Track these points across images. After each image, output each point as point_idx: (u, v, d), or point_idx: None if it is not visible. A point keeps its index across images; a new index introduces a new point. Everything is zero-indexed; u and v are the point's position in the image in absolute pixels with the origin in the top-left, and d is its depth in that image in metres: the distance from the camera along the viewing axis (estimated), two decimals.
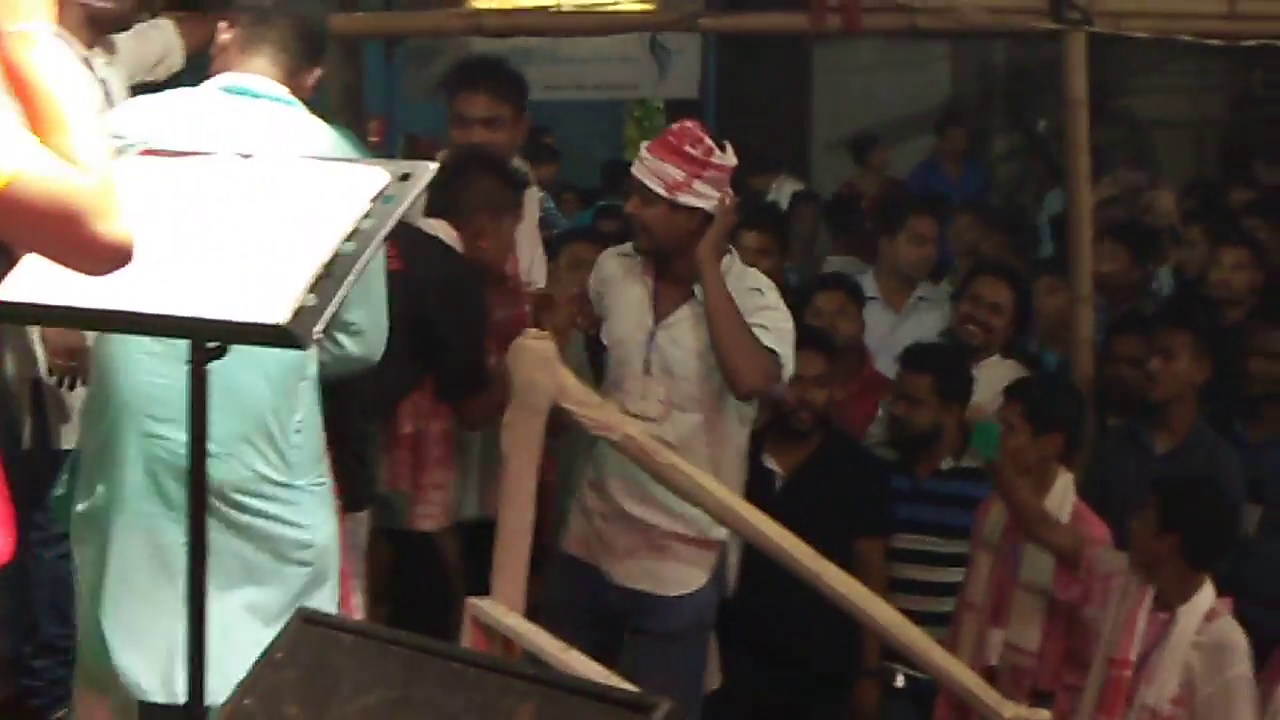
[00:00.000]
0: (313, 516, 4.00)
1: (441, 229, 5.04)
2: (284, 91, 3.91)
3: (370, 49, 10.00)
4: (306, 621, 3.73)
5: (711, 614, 5.08)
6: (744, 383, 4.82)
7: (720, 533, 4.91)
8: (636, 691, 3.55)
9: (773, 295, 5.01)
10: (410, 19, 8.47)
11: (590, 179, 10.74)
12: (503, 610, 4.35)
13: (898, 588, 5.75)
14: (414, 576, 5.31)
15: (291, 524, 3.95)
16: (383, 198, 3.01)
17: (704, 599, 5.00)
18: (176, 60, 5.75)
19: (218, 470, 3.61)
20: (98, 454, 3.95)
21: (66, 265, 2.55)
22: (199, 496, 3.13)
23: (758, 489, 5.65)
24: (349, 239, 2.94)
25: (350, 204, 2.99)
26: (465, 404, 5.05)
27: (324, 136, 3.87)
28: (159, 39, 5.44)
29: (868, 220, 9.14)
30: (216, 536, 3.60)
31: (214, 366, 3.06)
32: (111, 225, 2.47)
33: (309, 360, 3.82)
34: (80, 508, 3.98)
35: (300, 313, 2.84)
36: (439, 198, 4.95)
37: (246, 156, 3.17)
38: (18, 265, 3.06)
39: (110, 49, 5.03)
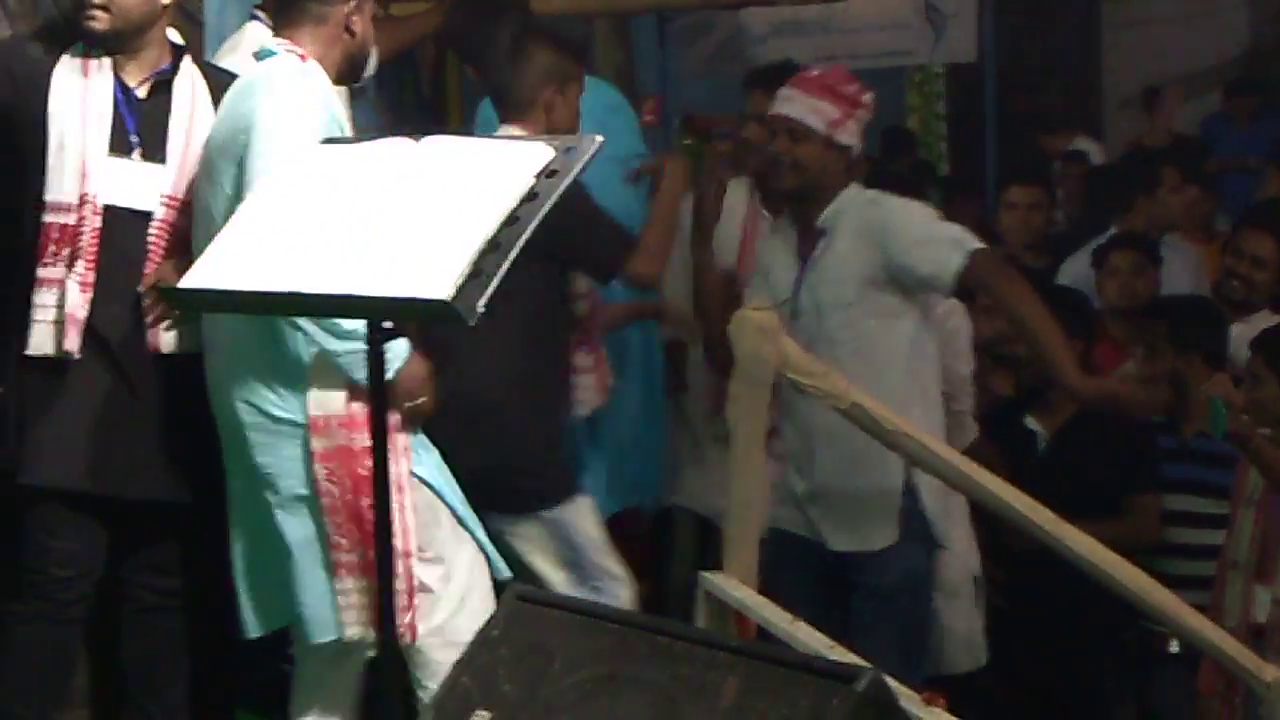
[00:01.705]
0: None
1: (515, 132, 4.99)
2: None
3: (641, 29, 10.02)
4: (520, 599, 3.77)
5: (923, 567, 4.96)
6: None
7: (896, 481, 4.81)
8: (840, 662, 3.51)
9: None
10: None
11: (870, 147, 10.60)
12: (734, 584, 4.33)
13: (1166, 551, 5.57)
14: None
15: None
16: (547, 172, 3.02)
17: (907, 551, 4.88)
18: (372, 66, 5.86)
19: None
20: None
21: None
22: (381, 465, 3.17)
23: (1020, 451, 5.58)
24: (513, 214, 2.95)
25: (515, 180, 3.00)
26: (635, 267, 5.00)
27: None
28: None
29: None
30: None
31: None
32: None
33: None
34: None
35: (464, 288, 2.86)
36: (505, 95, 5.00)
37: (417, 139, 3.21)
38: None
39: None
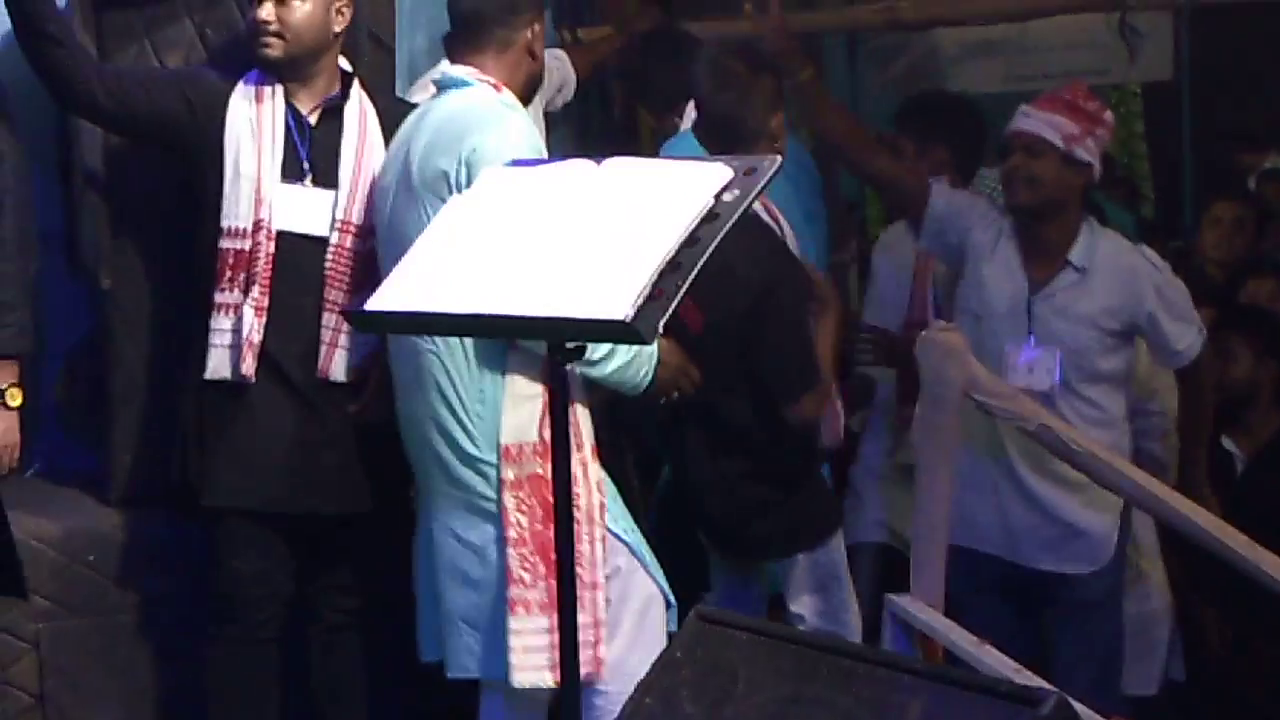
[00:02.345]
0: None
1: None
2: None
3: (832, 49, 9.97)
4: (703, 620, 3.77)
5: (1120, 585, 4.93)
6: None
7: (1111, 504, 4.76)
8: (1026, 685, 3.48)
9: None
10: (830, 16, 8.41)
11: None
12: (920, 606, 4.32)
13: None
14: None
15: None
16: (727, 193, 3.02)
17: (1110, 571, 4.85)
18: (570, 91, 5.88)
19: None
20: None
21: None
22: (564, 491, 3.18)
23: (1216, 472, 5.47)
24: (693, 234, 2.96)
25: (694, 201, 3.01)
26: (799, 402, 4.72)
27: None
28: (558, 71, 5.54)
29: None
30: None
31: None
32: None
33: None
34: None
35: (644, 309, 2.86)
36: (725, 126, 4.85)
37: (599, 161, 3.23)
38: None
39: None
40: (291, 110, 4.58)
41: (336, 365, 4.53)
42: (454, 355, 4.16)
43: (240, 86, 4.58)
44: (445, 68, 4.47)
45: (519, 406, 4.18)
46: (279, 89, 4.57)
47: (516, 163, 3.42)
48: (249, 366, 4.46)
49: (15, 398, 4.46)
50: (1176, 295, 4.83)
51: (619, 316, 2.85)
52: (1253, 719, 5.52)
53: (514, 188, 3.23)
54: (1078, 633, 4.76)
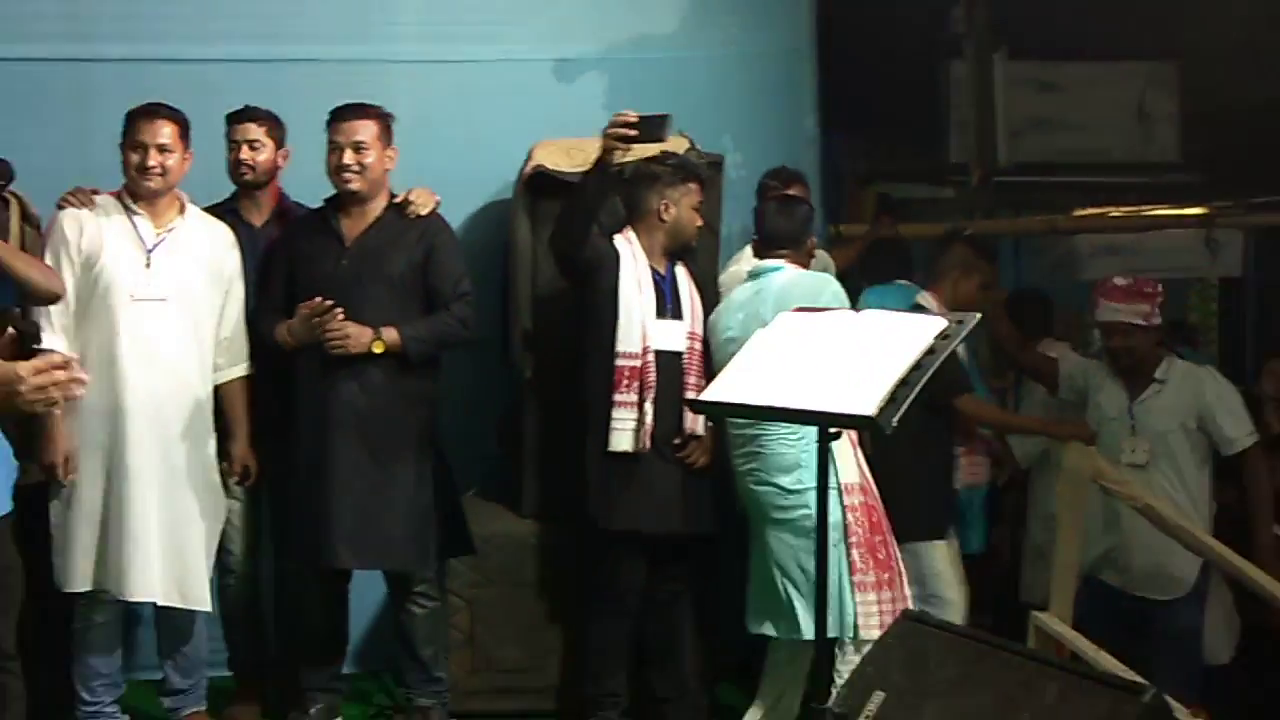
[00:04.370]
0: None
1: (929, 299, 5.00)
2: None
3: (1005, 245, 9.86)
4: (911, 619, 3.72)
5: (1199, 612, 4.71)
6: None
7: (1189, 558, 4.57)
8: (1132, 680, 3.35)
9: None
10: (1009, 224, 8.29)
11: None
12: (1055, 621, 4.18)
13: None
14: None
15: None
16: (942, 336, 3.00)
17: (1193, 599, 4.66)
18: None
19: None
20: None
21: None
22: (822, 529, 3.15)
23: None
24: (918, 362, 2.94)
25: (920, 339, 2.99)
26: (965, 404, 4.88)
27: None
28: (821, 262, 5.39)
29: None
30: None
31: None
32: None
33: None
34: None
35: (884, 409, 2.85)
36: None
37: (858, 311, 3.23)
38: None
39: None
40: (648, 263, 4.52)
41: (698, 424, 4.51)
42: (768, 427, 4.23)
43: (619, 243, 4.50)
44: (757, 262, 4.50)
45: (845, 457, 4.18)
46: (639, 247, 4.51)
47: (800, 309, 3.44)
48: (645, 443, 4.42)
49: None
50: (1229, 396, 4.67)
51: (867, 413, 2.85)
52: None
53: (803, 324, 3.25)
54: (1167, 650, 4.56)
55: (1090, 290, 5.22)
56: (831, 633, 4.14)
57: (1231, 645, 4.96)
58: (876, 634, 4.02)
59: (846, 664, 4.19)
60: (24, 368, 2.35)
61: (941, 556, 4.85)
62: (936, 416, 4.76)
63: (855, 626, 4.16)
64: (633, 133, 4.22)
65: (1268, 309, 11.04)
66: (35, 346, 2.37)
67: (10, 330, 2.37)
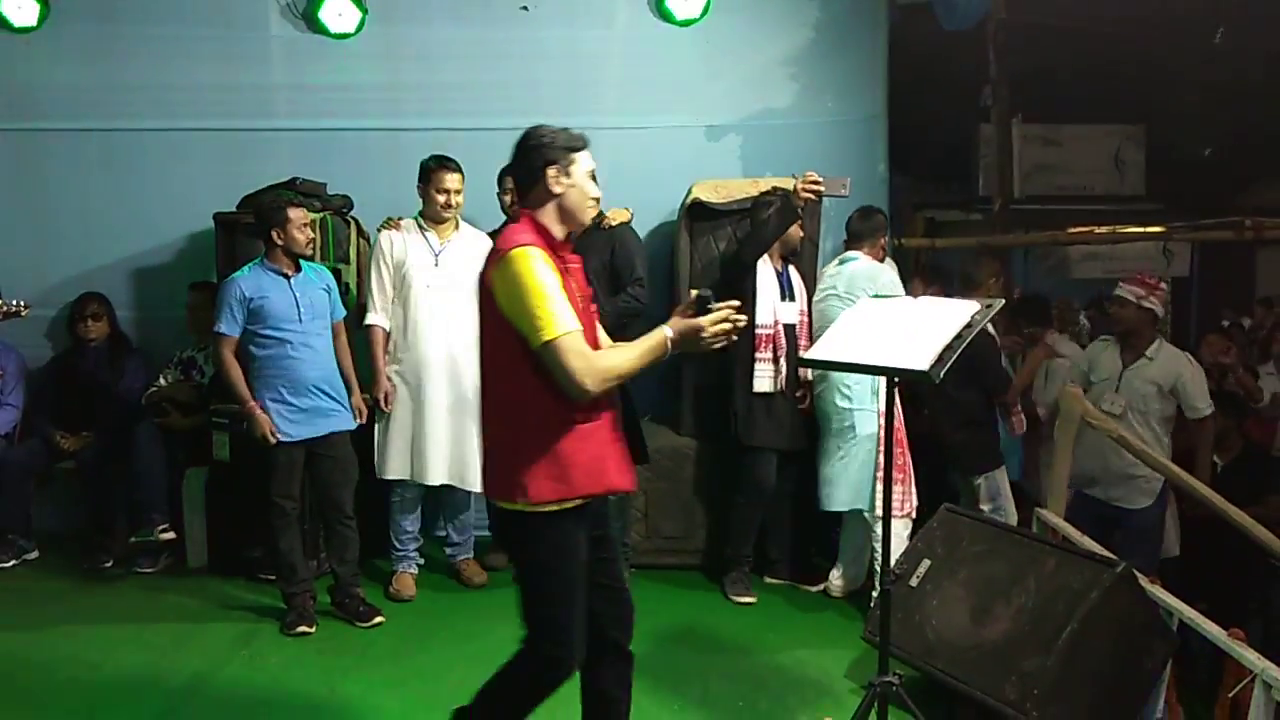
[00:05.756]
0: None
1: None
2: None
3: (1016, 254, 9.51)
4: (949, 512, 3.64)
5: (1160, 519, 4.45)
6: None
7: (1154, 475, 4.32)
8: (1109, 556, 3.24)
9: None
10: (1021, 238, 7.90)
11: None
12: (1051, 516, 4.05)
13: None
14: None
15: None
16: (976, 316, 2.91)
17: (1157, 508, 4.41)
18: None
19: None
20: None
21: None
22: (888, 472, 3.06)
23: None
24: (962, 331, 2.86)
25: (961, 316, 2.90)
26: (1005, 396, 4.56)
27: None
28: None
29: None
30: None
31: None
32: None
33: None
34: None
35: (934, 365, 2.78)
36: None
37: (917, 297, 3.14)
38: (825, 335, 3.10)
39: None
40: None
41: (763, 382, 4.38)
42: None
43: None
44: (845, 253, 4.43)
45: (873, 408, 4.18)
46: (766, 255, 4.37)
47: (877, 295, 3.36)
48: (781, 383, 4.35)
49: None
50: (1199, 377, 4.40)
51: (922, 368, 2.78)
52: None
53: (877, 306, 3.18)
54: (1133, 544, 4.35)
55: (1079, 286, 5.02)
56: (862, 506, 4.22)
57: (1177, 540, 4.73)
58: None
59: (874, 536, 4.22)
60: (704, 320, 2.46)
61: (1004, 478, 4.68)
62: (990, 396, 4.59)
63: (872, 504, 4.17)
64: (821, 188, 4.06)
65: (1206, 300, 10.50)
66: (710, 307, 2.50)
67: (693, 295, 2.51)
